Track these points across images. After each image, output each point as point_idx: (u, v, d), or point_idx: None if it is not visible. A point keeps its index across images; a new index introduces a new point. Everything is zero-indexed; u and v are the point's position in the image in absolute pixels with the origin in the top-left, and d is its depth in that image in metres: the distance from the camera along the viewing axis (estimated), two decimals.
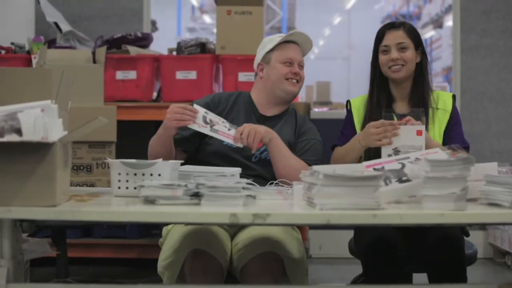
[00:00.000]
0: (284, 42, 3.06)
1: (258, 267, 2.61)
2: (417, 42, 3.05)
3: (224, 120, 2.84)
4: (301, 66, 3.06)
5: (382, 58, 3.04)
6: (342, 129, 3.11)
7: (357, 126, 3.05)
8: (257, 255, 2.62)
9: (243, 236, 2.70)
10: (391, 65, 3.01)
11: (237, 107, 3.06)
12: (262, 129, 2.81)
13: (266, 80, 3.06)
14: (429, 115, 2.98)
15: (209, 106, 2.95)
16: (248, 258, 2.63)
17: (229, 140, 2.78)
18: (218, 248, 2.63)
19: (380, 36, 3.06)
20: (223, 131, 2.78)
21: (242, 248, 2.67)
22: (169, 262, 2.65)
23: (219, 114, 2.94)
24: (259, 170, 2.91)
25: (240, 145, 2.78)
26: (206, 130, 2.77)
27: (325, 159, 2.99)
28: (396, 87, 3.06)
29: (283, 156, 2.86)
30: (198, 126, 2.77)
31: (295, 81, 3.03)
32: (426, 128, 2.86)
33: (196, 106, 2.81)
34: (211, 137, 2.84)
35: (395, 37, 3.02)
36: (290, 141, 3.00)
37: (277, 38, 3.07)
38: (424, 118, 2.81)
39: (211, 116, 2.81)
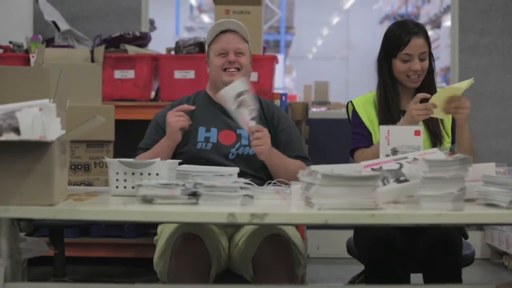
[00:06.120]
0: (219, 34, 2.99)
1: (270, 254, 2.56)
2: (430, 47, 2.96)
3: (254, 108, 2.74)
4: (239, 53, 2.98)
5: (401, 66, 2.90)
6: (355, 130, 2.99)
7: (368, 125, 2.97)
8: (266, 237, 2.57)
9: (243, 232, 2.70)
10: (410, 74, 2.91)
11: (198, 108, 3.00)
12: (267, 147, 2.76)
13: (210, 75, 3.05)
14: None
15: None
16: (258, 242, 2.59)
17: (244, 126, 2.74)
18: (208, 234, 2.61)
19: (402, 42, 2.89)
20: (245, 116, 2.71)
21: (245, 240, 2.64)
22: (162, 251, 2.64)
23: None
24: (238, 166, 2.73)
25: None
26: (231, 106, 2.70)
27: (324, 161, 2.97)
28: (401, 86, 2.98)
29: (283, 166, 2.84)
30: (228, 98, 2.72)
31: (233, 70, 2.96)
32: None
33: (241, 80, 2.75)
34: (184, 145, 2.87)
35: (418, 46, 2.89)
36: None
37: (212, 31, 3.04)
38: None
39: (248, 98, 2.71)
